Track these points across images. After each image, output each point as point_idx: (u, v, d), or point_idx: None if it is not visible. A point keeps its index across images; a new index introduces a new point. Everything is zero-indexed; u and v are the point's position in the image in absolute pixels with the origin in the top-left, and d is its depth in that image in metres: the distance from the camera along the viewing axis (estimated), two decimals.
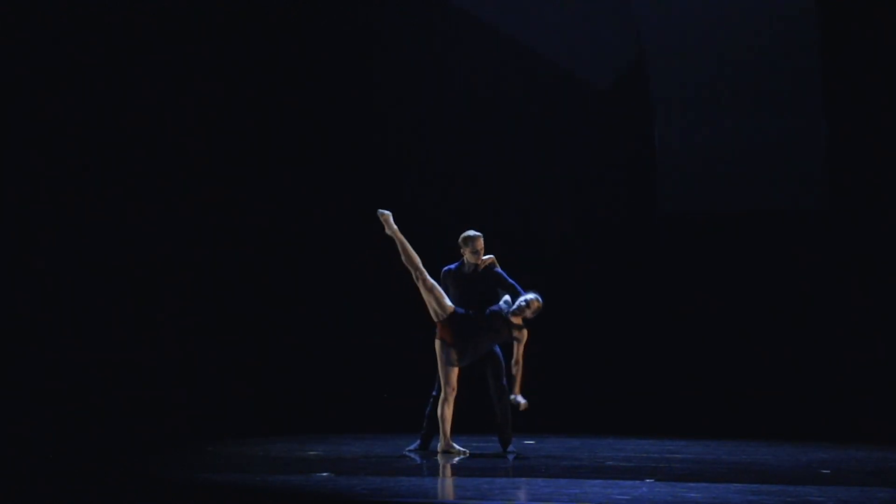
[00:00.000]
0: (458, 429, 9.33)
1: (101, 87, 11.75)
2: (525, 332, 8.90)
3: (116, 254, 11.75)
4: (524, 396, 8.91)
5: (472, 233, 9.28)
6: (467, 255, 9.24)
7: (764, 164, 12.30)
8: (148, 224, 12.00)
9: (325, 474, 7.64)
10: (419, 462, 8.75)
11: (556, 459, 8.90)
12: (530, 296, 8.97)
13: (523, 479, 7.88)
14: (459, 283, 9.22)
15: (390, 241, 13.14)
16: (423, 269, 9.04)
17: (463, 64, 13.08)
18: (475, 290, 9.17)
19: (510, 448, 9.19)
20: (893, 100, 11.90)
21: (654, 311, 12.50)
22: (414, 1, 13.15)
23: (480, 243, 9.21)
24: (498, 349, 9.18)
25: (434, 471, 8.33)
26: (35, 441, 10.03)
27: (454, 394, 8.94)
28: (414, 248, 12.92)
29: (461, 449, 8.97)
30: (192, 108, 12.34)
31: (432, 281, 9.04)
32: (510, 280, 9.20)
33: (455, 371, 8.96)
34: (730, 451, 9.62)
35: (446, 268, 9.34)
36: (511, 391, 8.94)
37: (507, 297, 9.11)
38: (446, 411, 8.93)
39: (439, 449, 8.99)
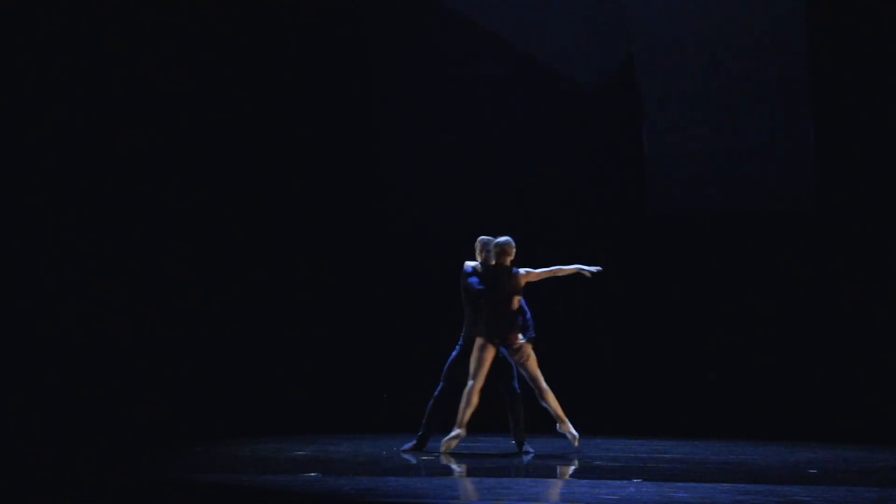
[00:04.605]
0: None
1: (100, 86, 11.74)
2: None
3: (109, 253, 11.73)
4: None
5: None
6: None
7: (753, 164, 12.32)
8: (141, 225, 11.99)
9: (312, 474, 7.64)
10: (414, 462, 8.74)
11: (545, 459, 8.91)
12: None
13: (512, 479, 7.89)
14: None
15: (384, 242, 13.16)
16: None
17: (452, 63, 13.09)
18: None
19: (525, 448, 9.23)
20: (881, 100, 11.93)
21: (643, 312, 12.52)
22: (405, 1, 13.17)
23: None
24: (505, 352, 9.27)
25: (428, 471, 8.33)
26: (25, 441, 10.02)
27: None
28: (399, 246, 12.99)
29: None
30: (188, 109, 12.34)
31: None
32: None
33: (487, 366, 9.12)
34: (717, 451, 9.64)
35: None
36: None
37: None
38: (474, 399, 9.07)
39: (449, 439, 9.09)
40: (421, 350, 12.18)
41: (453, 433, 9.12)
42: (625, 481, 7.31)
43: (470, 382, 9.09)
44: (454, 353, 9.34)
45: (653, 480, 7.36)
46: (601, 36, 12.70)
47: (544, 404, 9.26)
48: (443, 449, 9.11)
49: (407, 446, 9.36)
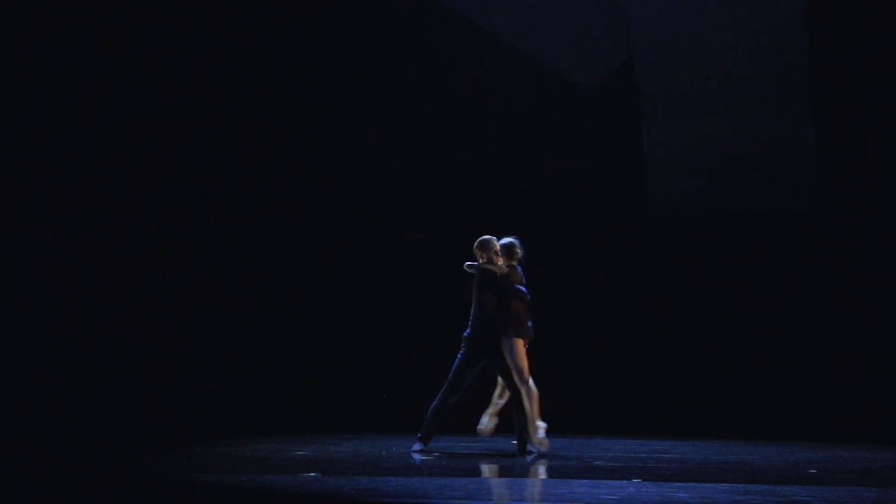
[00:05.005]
0: (456, 429, 9.42)
1: (100, 86, 11.74)
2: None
3: (109, 253, 11.73)
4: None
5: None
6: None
7: (753, 164, 12.31)
8: (141, 225, 11.99)
9: (312, 474, 7.64)
10: (414, 462, 8.74)
11: (544, 459, 8.91)
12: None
13: (511, 479, 7.89)
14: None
15: (385, 242, 13.16)
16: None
17: (452, 63, 13.09)
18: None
19: (529, 447, 9.22)
20: (882, 101, 11.93)
21: (643, 312, 12.51)
22: (405, 1, 13.17)
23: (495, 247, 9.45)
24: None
25: (428, 471, 8.33)
26: (25, 441, 10.02)
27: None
28: (399, 250, 12.98)
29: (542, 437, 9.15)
30: (188, 109, 12.34)
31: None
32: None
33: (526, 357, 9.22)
34: (717, 451, 9.64)
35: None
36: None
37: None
38: (534, 392, 9.12)
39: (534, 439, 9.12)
40: (421, 350, 12.19)
41: (541, 430, 9.10)
42: (625, 481, 7.31)
43: (524, 384, 9.11)
44: (459, 358, 9.29)
45: (653, 480, 7.36)
46: (601, 36, 12.69)
47: (498, 393, 9.44)
48: (542, 449, 9.07)
49: (415, 448, 9.33)
